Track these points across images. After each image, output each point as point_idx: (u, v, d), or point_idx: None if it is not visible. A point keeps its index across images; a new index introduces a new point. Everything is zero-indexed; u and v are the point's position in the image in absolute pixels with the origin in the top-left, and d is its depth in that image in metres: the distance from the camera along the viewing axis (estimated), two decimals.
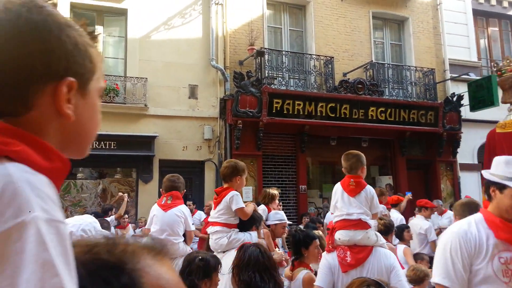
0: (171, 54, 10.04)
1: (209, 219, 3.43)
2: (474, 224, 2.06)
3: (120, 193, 7.12)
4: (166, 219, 3.66)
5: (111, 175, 9.54)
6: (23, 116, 0.64)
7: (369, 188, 3.12)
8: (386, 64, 12.02)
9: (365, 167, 3.19)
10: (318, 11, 11.33)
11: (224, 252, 3.23)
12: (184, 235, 3.72)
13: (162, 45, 10.00)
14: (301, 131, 10.36)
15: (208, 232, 3.36)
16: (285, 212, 5.40)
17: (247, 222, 3.33)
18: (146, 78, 9.54)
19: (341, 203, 3.03)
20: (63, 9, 9.32)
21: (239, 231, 3.28)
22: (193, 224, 3.82)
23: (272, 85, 10.10)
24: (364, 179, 3.18)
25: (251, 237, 3.29)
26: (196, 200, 8.84)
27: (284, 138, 10.68)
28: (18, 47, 0.63)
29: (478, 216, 2.12)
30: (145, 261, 0.55)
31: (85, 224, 2.32)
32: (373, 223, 3.24)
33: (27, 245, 0.52)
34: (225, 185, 3.39)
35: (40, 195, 0.56)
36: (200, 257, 2.38)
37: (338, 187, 3.14)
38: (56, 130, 0.67)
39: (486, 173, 2.15)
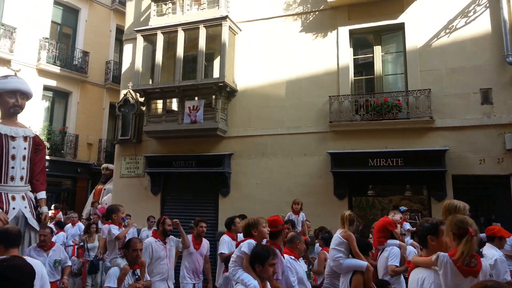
0: (455, 59, 9.15)
1: None
2: None
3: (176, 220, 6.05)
4: None
5: (401, 193, 9.33)
6: None
7: None
8: None
9: None
10: None
11: None
12: None
13: (444, 51, 9.25)
14: None
15: None
16: None
17: None
18: (429, 89, 9.00)
19: None
20: (344, 37, 10.04)
21: None
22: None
23: None
24: None
25: None
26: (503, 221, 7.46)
27: None
28: None
29: None
30: None
31: None
32: None
33: None
34: None
35: None
36: None
37: None
38: None
39: None
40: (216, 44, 11.17)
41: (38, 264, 3.07)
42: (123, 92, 12.29)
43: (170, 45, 11.70)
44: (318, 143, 9.90)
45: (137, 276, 4.34)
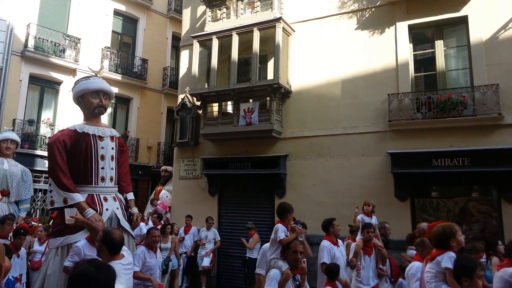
0: None
1: None
2: None
3: None
4: None
5: (468, 194, 8.84)
6: None
7: None
8: None
9: None
10: None
11: None
12: None
13: None
14: None
15: None
16: None
17: None
18: (497, 84, 8.47)
19: None
20: (402, 33, 9.71)
21: None
22: None
23: None
24: None
25: None
26: None
27: None
28: None
29: None
30: None
31: None
32: None
33: None
34: None
35: None
36: None
37: None
38: None
39: None
40: (270, 46, 11.23)
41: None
42: (180, 97, 12.70)
43: (223, 49, 11.93)
44: (377, 143, 9.64)
45: (297, 282, 4.04)
